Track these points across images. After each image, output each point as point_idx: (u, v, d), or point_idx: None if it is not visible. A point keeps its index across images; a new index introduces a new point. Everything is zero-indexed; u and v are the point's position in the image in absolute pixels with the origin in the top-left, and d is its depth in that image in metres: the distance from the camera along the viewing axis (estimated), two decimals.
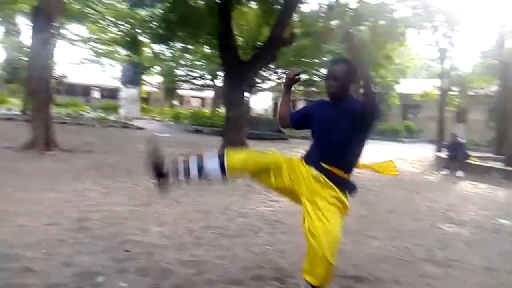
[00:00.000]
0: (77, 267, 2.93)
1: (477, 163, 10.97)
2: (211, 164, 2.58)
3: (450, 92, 18.02)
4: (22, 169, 6.56)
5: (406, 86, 27.49)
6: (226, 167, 2.54)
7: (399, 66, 26.71)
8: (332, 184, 2.48)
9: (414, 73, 31.57)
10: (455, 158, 10.28)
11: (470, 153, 11.18)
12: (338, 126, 2.48)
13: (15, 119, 16.01)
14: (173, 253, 3.38)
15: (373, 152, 16.29)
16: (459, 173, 9.96)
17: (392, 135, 25.85)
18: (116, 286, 2.71)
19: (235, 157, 2.58)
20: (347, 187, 2.57)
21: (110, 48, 25.77)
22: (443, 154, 11.74)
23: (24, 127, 12.15)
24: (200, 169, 2.59)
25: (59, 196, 5.00)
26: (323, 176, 2.48)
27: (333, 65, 2.63)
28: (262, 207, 5.33)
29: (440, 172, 10.51)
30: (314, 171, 2.51)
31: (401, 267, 3.48)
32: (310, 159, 2.61)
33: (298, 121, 2.83)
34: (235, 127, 10.74)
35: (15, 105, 22.45)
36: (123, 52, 27.01)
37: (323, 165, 2.50)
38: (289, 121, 2.86)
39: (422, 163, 12.66)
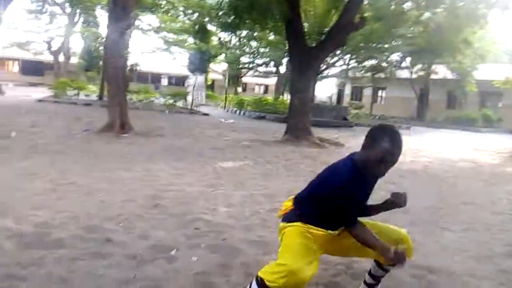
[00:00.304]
0: (152, 241, 3.12)
1: None
2: None
3: None
4: (100, 150, 7.07)
5: (485, 72, 25.42)
6: None
7: (479, 50, 24.74)
8: None
9: (495, 58, 29.01)
10: None
11: None
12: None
13: (93, 105, 17.25)
14: (240, 233, 3.47)
15: (445, 141, 15.49)
16: None
17: (468, 124, 24.12)
18: (188, 260, 2.83)
19: None
20: None
21: (180, 37, 26.72)
22: None
23: (101, 112, 13.08)
24: None
25: (134, 176, 5.32)
26: None
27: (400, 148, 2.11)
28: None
29: None
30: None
31: (478, 261, 3.26)
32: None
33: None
34: (300, 114, 10.66)
35: (92, 91, 24.18)
36: (191, 40, 27.94)
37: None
38: None
39: (502, 154, 11.70)
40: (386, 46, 22.41)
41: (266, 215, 4.06)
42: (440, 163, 9.07)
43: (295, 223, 2.18)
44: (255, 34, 22.30)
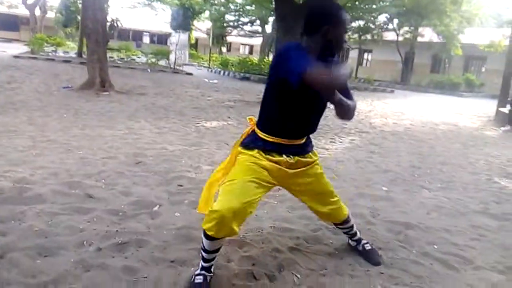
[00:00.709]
0: (135, 197, 3.11)
1: None
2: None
3: None
4: (80, 108, 6.91)
5: (471, 36, 25.39)
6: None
7: (466, 14, 24.58)
8: None
9: (481, 22, 28.91)
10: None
11: None
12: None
13: (72, 62, 16.69)
14: None
15: (428, 105, 15.70)
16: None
17: (451, 88, 24.35)
18: (171, 215, 2.85)
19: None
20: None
21: None
22: (506, 110, 10.96)
23: (80, 69, 12.70)
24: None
25: (115, 134, 5.24)
26: None
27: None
28: None
29: (502, 128, 9.87)
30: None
31: (453, 217, 3.38)
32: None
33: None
34: None
35: (71, 48, 23.32)
36: None
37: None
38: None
39: (482, 118, 11.93)
40: (374, 6, 22.03)
41: None
42: (422, 126, 9.20)
43: (251, 151, 2.06)
44: None
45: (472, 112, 13.89)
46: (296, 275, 2.23)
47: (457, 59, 27.05)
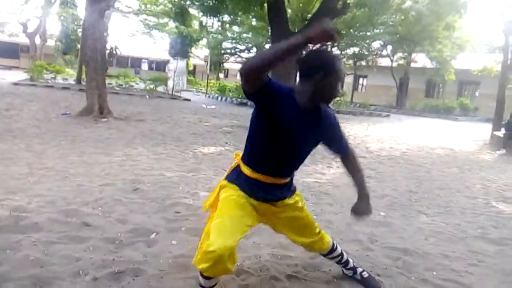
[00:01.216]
0: (131, 225, 3.10)
1: None
2: None
3: None
4: (78, 134, 6.94)
5: (463, 61, 25.86)
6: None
7: (458, 40, 25.12)
8: None
9: (473, 47, 29.53)
10: None
11: None
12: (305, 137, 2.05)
13: (71, 88, 16.84)
14: None
15: (423, 129, 15.77)
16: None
17: (446, 112, 24.62)
18: (168, 243, 2.83)
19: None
20: None
21: (160, 20, 26.23)
22: (501, 133, 11.06)
23: (79, 96, 12.80)
24: None
25: (113, 160, 5.25)
26: None
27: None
28: (308, 178, 5.32)
29: (497, 151, 9.94)
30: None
31: (451, 243, 3.37)
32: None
33: (266, 92, 1.86)
34: None
35: (70, 75, 23.55)
36: (172, 24, 27.46)
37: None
38: (261, 80, 1.80)
39: (477, 142, 12.02)
40: (368, 33, 22.53)
41: None
42: (418, 150, 9.26)
43: (235, 188, 2.05)
44: (238, 19, 22.04)
45: (467, 136, 14.00)
46: None
47: (450, 84, 27.46)
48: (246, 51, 29.11)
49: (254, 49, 28.61)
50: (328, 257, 2.51)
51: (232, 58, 33.05)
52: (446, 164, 7.54)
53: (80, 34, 20.52)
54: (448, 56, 24.94)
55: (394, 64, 27.72)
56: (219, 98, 22.21)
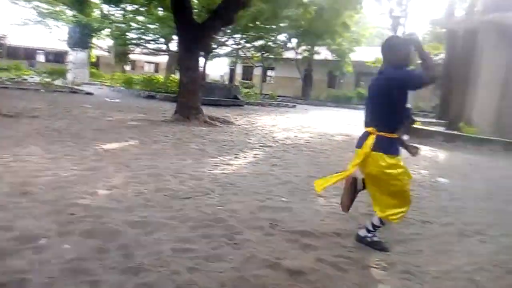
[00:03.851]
0: (18, 231, 2.83)
1: (421, 127, 11.52)
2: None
3: None
4: None
5: (360, 54, 27.99)
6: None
7: (355, 34, 27.07)
8: None
9: (368, 41, 32.09)
10: (401, 123, 10.69)
11: (416, 118, 11.70)
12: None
13: None
14: (122, 215, 3.34)
15: (325, 118, 16.68)
16: (405, 137, 10.40)
17: (345, 102, 26.49)
18: (59, 248, 2.65)
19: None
20: None
21: (55, 8, 24.11)
22: None
23: None
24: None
25: None
26: None
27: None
28: (215, 170, 5.35)
29: None
30: None
31: (344, 222, 3.66)
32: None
33: None
34: (190, 92, 10.53)
35: None
36: (69, 12, 25.40)
37: None
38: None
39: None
40: (274, 26, 23.18)
41: (150, 194, 3.98)
42: (319, 137, 9.84)
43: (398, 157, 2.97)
44: (142, 9, 21.17)
45: (363, 122, 15.21)
46: None
47: (349, 75, 29.61)
48: (152, 42, 28.09)
49: (162, 40, 27.76)
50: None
51: (138, 49, 31.64)
52: (344, 150, 8.14)
53: None
54: (346, 49, 26.78)
55: (299, 57, 28.98)
56: (125, 91, 21.21)
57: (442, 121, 12.46)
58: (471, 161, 7.95)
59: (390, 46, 3.01)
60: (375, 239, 3.13)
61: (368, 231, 3.14)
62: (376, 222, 3.09)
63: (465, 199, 4.90)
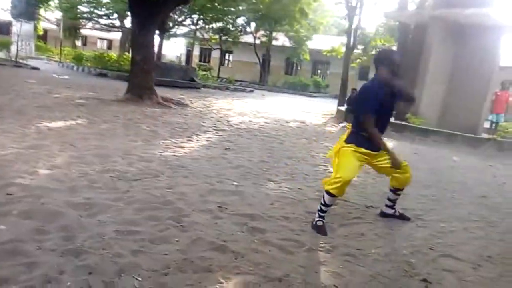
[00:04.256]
0: None
1: None
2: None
3: (355, 50, 18.99)
4: None
5: (317, 43, 28.32)
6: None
7: (312, 22, 27.31)
8: None
9: (325, 30, 32.53)
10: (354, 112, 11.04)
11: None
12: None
13: None
14: (64, 196, 3.21)
15: (282, 104, 16.82)
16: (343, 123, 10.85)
17: (302, 89, 26.83)
18: None
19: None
20: None
21: None
22: (343, 108, 12.55)
23: None
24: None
25: None
26: None
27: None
28: (166, 152, 5.25)
29: (340, 124, 11.28)
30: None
31: (293, 205, 3.73)
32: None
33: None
34: (143, 71, 10.21)
35: None
36: None
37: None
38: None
39: (326, 116, 13.43)
40: (232, 9, 22.88)
41: (96, 175, 3.84)
42: (274, 123, 9.92)
43: (349, 145, 3.23)
44: None
45: (318, 110, 15.54)
46: (137, 278, 2.18)
47: (306, 63, 29.96)
48: (105, 17, 26.80)
49: (115, 16, 26.55)
50: (398, 193, 3.63)
51: (90, 24, 30.09)
52: (297, 136, 8.27)
53: None
54: (304, 36, 27.00)
55: (257, 42, 28.86)
56: (75, 68, 20.22)
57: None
58: (417, 150, 8.35)
59: (378, 58, 3.36)
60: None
61: None
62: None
63: (407, 186, 5.14)
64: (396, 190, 3.62)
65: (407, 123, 11.13)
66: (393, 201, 3.70)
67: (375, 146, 3.27)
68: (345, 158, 3.22)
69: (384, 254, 2.92)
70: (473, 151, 9.13)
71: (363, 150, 3.24)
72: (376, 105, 3.14)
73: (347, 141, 3.30)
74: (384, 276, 2.59)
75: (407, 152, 7.94)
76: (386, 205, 3.74)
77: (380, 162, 3.36)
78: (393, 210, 3.72)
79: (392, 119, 11.51)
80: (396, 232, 3.43)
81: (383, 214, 3.74)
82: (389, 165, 3.31)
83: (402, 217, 3.73)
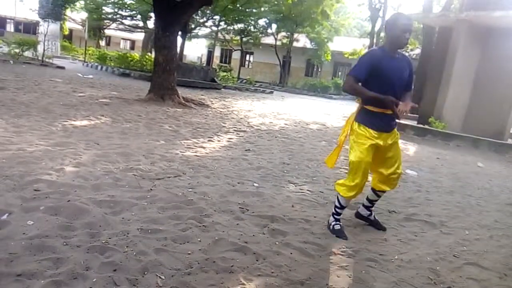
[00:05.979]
0: None
1: None
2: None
3: None
4: None
5: (338, 44, 28.12)
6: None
7: (334, 24, 27.13)
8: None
9: (347, 31, 32.27)
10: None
11: None
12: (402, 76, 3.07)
13: None
14: (89, 193, 3.27)
15: (301, 106, 16.79)
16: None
17: (322, 91, 26.65)
18: (23, 224, 2.57)
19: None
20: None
21: None
22: None
23: None
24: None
25: None
26: None
27: (409, 18, 2.99)
28: (188, 152, 5.30)
29: None
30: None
31: (314, 208, 3.71)
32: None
33: (364, 78, 2.97)
34: (165, 72, 10.33)
35: None
36: None
37: None
38: (359, 86, 2.99)
39: (346, 118, 13.28)
40: (254, 10, 22.93)
41: (120, 174, 3.90)
42: (294, 125, 9.88)
43: (361, 128, 3.05)
44: None
45: (339, 112, 15.41)
46: (160, 277, 2.20)
47: (327, 64, 29.73)
48: (129, 18, 27.27)
49: (139, 17, 26.99)
50: (378, 196, 3.37)
51: (114, 25, 30.68)
52: (317, 138, 8.21)
53: None
54: (325, 38, 26.83)
55: (278, 43, 28.85)
56: (99, 68, 20.62)
57: (415, 115, 12.73)
58: (439, 155, 8.18)
59: (387, 23, 3.07)
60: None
61: None
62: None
63: (431, 191, 5.05)
64: (378, 191, 3.34)
65: (429, 127, 10.93)
66: (372, 202, 3.42)
67: (384, 122, 3.04)
68: (357, 154, 3.00)
69: (407, 260, 2.87)
70: (498, 157, 8.89)
71: (374, 133, 3.01)
72: (363, 72, 2.91)
73: (357, 119, 3.11)
74: (408, 283, 2.54)
75: (429, 157, 7.80)
76: (364, 205, 3.47)
77: (388, 149, 3.11)
78: (369, 212, 3.46)
79: (414, 123, 11.38)
80: (419, 238, 3.36)
81: (358, 215, 3.50)
82: (393, 154, 3.15)
83: (377, 225, 3.42)
